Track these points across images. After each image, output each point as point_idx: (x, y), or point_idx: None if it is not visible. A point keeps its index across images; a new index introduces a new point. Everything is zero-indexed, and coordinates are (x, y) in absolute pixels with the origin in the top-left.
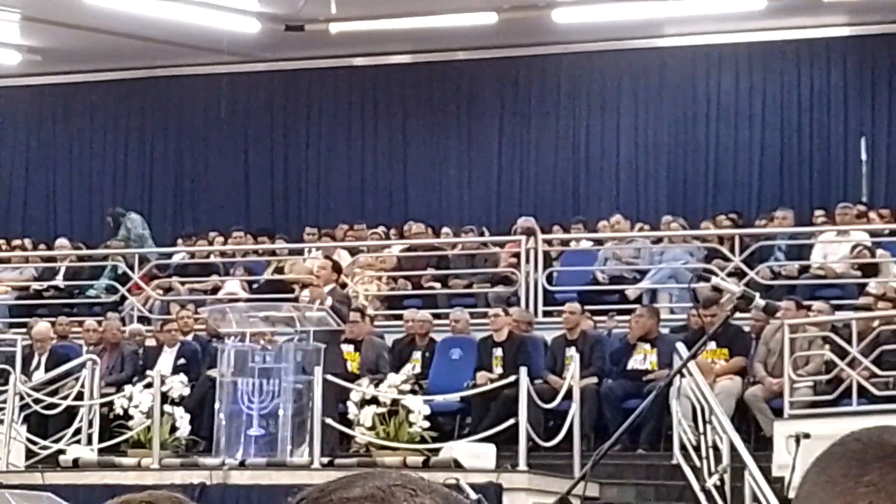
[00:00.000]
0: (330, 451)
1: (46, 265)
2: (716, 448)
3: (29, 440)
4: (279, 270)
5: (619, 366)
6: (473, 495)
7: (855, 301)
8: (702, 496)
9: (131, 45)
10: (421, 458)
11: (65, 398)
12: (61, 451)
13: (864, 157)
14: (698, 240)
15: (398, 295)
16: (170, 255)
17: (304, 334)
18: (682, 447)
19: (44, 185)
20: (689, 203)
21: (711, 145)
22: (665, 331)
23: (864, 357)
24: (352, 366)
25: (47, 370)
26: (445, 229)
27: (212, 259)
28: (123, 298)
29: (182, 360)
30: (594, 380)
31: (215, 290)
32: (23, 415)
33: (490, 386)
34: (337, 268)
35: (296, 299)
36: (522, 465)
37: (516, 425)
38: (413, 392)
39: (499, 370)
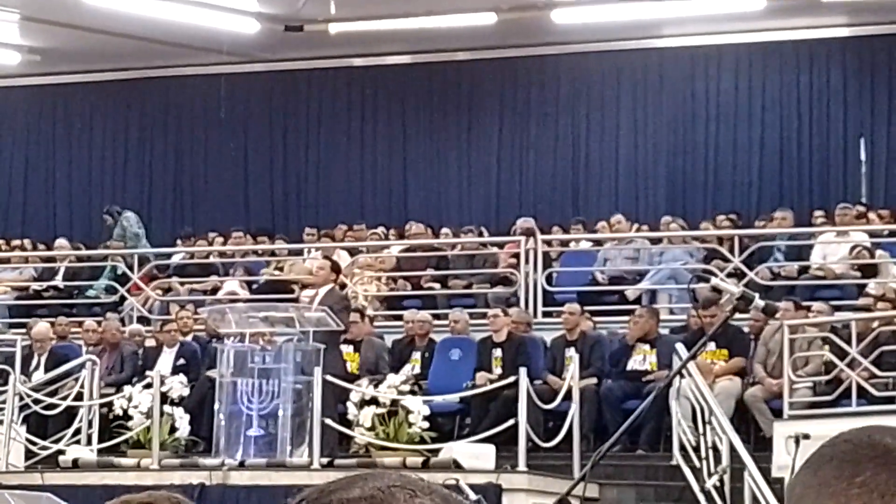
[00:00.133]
0: (329, 452)
1: (46, 265)
2: (715, 449)
3: (28, 440)
4: (279, 271)
5: (618, 366)
6: (473, 496)
7: (854, 302)
8: (701, 497)
9: (131, 45)
10: (420, 459)
11: (64, 398)
12: (61, 452)
13: (863, 157)
14: (698, 240)
15: (398, 295)
16: (169, 256)
17: (304, 335)
18: (682, 448)
19: (43, 185)
20: (689, 203)
21: (711, 146)
22: (664, 331)
23: (863, 358)
24: (351, 366)
25: (47, 370)
26: (445, 230)
27: (211, 259)
28: (123, 299)
29: (181, 361)
30: (594, 380)
31: (215, 290)
32: (22, 415)
33: (489, 386)
34: (336, 268)
35: (295, 300)
36: (522, 466)
37: (516, 426)
38: (412, 393)
39: (498, 371)
